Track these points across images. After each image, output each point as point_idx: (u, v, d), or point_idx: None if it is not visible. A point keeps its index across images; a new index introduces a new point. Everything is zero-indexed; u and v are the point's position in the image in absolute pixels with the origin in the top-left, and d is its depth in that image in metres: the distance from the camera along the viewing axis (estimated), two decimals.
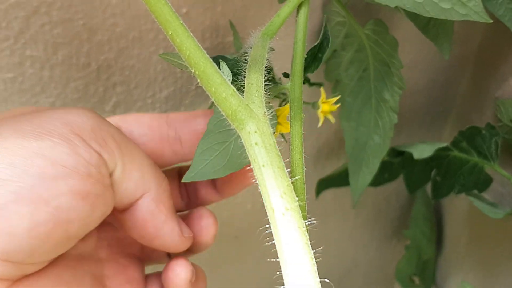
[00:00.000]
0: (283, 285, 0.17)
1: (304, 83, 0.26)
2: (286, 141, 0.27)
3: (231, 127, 0.20)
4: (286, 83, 0.26)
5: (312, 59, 0.27)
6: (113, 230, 0.29)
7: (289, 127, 0.24)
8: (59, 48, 0.31)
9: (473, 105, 0.48)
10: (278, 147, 0.20)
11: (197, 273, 0.28)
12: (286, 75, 0.29)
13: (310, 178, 0.47)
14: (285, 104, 0.28)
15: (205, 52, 0.20)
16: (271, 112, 0.22)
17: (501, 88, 0.43)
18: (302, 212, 0.19)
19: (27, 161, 0.20)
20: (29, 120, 0.22)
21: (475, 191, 0.43)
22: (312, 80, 0.34)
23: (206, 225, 0.28)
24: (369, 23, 0.36)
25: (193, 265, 0.27)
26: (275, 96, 0.28)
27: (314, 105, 0.30)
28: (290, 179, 0.19)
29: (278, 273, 0.17)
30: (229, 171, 0.26)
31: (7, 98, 0.32)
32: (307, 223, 0.18)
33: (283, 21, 0.27)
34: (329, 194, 0.48)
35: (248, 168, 0.20)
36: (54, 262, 0.23)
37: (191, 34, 0.20)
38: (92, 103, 0.35)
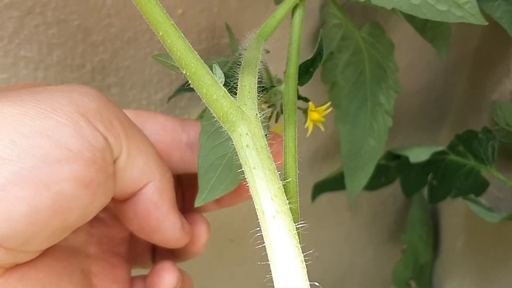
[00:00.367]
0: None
1: None
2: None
3: (225, 137, 0.20)
4: (281, 85, 0.26)
5: (304, 72, 0.26)
6: (104, 226, 0.28)
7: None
8: (54, 49, 0.31)
9: (469, 109, 0.48)
10: (270, 149, 0.19)
11: (184, 280, 0.27)
12: (279, 81, 0.28)
13: (306, 181, 0.47)
14: (274, 108, 0.28)
15: (197, 53, 0.20)
16: (263, 115, 0.22)
17: (498, 91, 0.43)
18: (294, 215, 0.19)
19: (29, 140, 0.19)
20: (32, 95, 0.20)
21: (472, 195, 0.43)
22: (310, 82, 0.33)
23: (198, 231, 0.28)
24: (366, 26, 0.36)
25: (180, 271, 0.26)
26: (265, 102, 0.28)
27: (305, 112, 0.29)
28: (281, 182, 0.18)
29: (268, 276, 0.17)
30: (238, 182, 0.25)
31: None
32: (298, 226, 0.18)
33: (278, 23, 0.27)
34: (324, 197, 0.48)
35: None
36: (46, 253, 0.22)
37: (182, 35, 0.19)
38: None
